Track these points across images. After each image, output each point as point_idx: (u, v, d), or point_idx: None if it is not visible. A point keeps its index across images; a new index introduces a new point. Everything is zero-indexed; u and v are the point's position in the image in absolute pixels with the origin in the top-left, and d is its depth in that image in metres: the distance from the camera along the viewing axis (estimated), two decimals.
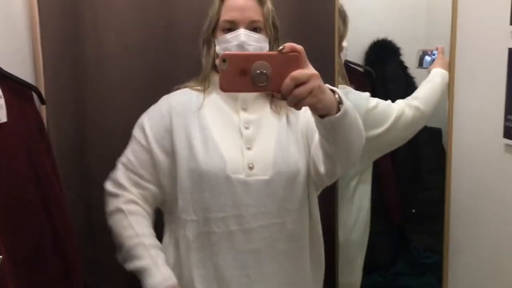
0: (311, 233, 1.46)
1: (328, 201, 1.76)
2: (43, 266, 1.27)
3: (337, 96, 1.11)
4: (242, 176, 1.35)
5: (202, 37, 1.47)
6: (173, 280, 1.37)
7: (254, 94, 1.44)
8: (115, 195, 1.44)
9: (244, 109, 1.43)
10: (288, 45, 1.03)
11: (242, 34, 1.39)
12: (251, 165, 1.37)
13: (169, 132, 1.41)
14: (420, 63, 1.96)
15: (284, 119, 1.44)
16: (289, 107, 1.42)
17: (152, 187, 1.44)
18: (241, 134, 1.40)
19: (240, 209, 1.35)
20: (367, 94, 1.78)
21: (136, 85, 1.64)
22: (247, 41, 1.38)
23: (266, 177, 1.36)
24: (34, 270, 1.25)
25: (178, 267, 1.42)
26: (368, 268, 2.04)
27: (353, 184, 1.95)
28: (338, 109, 1.10)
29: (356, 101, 1.58)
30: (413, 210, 2.14)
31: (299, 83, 1.02)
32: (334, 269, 1.85)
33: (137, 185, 1.43)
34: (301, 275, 1.45)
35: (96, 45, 1.64)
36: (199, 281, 1.39)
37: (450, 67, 1.74)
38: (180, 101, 1.45)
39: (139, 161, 1.43)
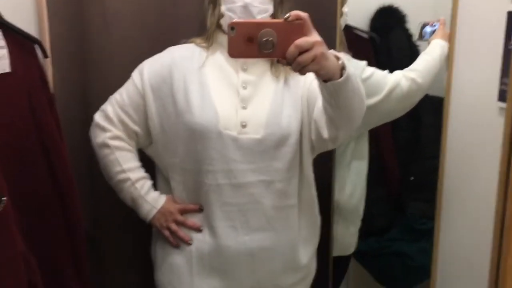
0: (302, 194, 1.48)
1: (325, 166, 1.78)
2: (45, 214, 1.30)
3: (340, 62, 1.15)
4: (233, 133, 1.38)
5: None
6: (160, 201, 1.48)
7: None
8: (103, 129, 1.49)
9: (244, 70, 1.45)
10: (294, 13, 1.06)
11: None
12: (244, 124, 1.39)
13: (168, 84, 1.43)
14: (421, 36, 1.95)
15: (282, 82, 1.45)
16: (289, 71, 1.45)
17: (137, 128, 1.48)
18: (238, 93, 1.42)
19: (229, 165, 1.39)
20: (364, 63, 1.76)
21: (140, 40, 1.67)
22: (251, 2, 1.39)
23: (257, 136, 1.39)
24: (36, 217, 1.28)
25: None
26: (364, 233, 2.06)
27: (349, 151, 1.96)
28: (341, 75, 1.14)
29: None
30: (412, 178, 2.16)
31: (303, 50, 1.05)
32: (329, 232, 1.88)
33: (123, 123, 1.48)
34: (289, 233, 1.47)
35: (101, 2, 1.65)
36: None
37: (451, 34, 1.72)
38: (183, 55, 1.47)
39: (130, 101, 1.47)
